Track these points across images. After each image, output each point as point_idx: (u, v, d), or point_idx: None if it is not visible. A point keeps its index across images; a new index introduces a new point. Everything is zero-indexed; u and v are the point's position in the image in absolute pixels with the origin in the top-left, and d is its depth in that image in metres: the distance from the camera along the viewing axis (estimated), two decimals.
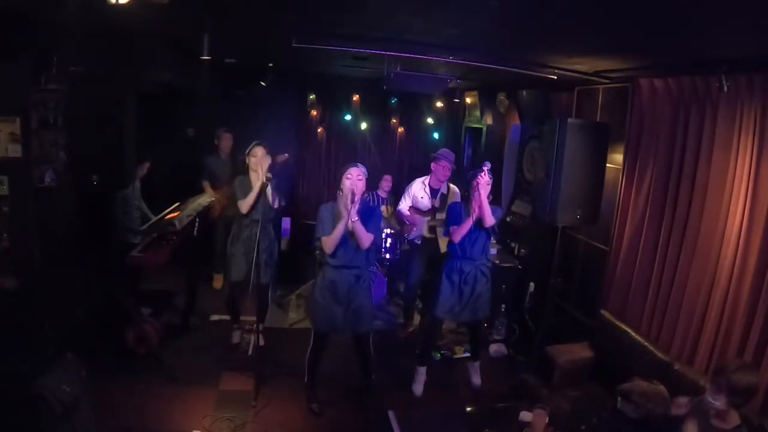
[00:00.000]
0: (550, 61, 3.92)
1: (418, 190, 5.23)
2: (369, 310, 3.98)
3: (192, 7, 2.95)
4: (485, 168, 4.10)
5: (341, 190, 3.69)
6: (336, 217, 3.71)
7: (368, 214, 3.77)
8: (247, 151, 4.45)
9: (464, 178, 4.71)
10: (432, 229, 5.22)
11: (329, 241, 3.68)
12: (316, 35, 3.57)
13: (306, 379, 4.07)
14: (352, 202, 3.58)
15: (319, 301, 3.86)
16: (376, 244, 3.84)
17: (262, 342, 4.86)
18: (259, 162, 4.26)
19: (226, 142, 5.99)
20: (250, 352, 4.75)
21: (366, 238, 3.68)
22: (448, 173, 5.13)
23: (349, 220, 3.61)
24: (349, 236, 3.73)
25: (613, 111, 4.36)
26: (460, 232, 4.09)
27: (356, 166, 3.72)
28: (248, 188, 4.35)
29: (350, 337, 4.05)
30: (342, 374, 4.38)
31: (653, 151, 3.96)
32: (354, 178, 3.65)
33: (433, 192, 5.20)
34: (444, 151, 5.16)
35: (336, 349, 4.29)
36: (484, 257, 4.27)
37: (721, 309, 3.29)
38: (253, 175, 4.38)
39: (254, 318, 4.53)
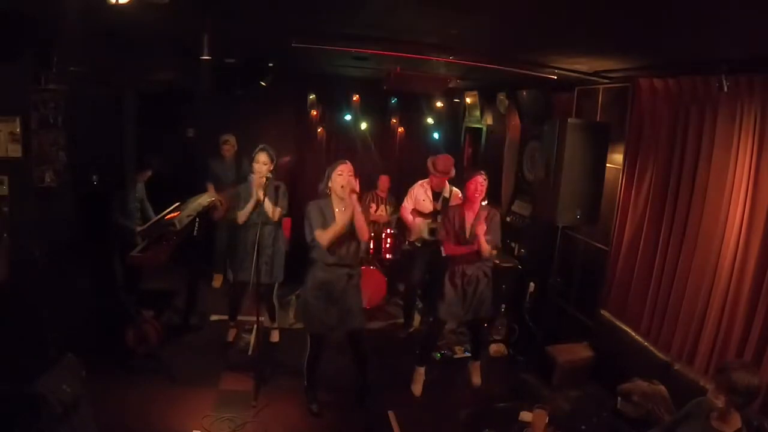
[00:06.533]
0: (550, 61, 3.92)
1: (420, 193, 5.21)
2: (360, 308, 3.99)
3: (192, 7, 2.94)
4: (480, 176, 4.11)
5: (329, 189, 3.75)
6: (323, 214, 3.74)
7: None
8: (253, 155, 4.49)
9: (460, 179, 4.71)
10: (433, 232, 5.21)
11: (325, 235, 3.69)
12: (316, 35, 3.57)
13: (305, 382, 4.07)
14: (354, 192, 3.65)
15: (312, 302, 3.83)
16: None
17: (276, 338, 5.04)
18: (262, 175, 4.34)
19: (229, 146, 6.01)
20: (250, 352, 4.75)
21: (365, 230, 3.76)
22: (444, 185, 5.11)
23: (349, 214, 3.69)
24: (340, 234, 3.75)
25: (613, 111, 4.36)
26: (450, 250, 4.17)
27: (345, 162, 3.77)
28: (249, 197, 4.45)
29: (346, 337, 4.05)
30: (341, 375, 4.38)
31: (653, 151, 3.96)
32: (346, 174, 3.70)
33: (435, 195, 5.19)
34: (441, 161, 5.00)
35: (335, 350, 4.29)
36: (485, 257, 4.26)
37: (721, 309, 3.29)
38: (256, 180, 4.45)
39: (254, 318, 4.53)
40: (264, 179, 4.33)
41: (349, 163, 3.75)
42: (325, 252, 3.76)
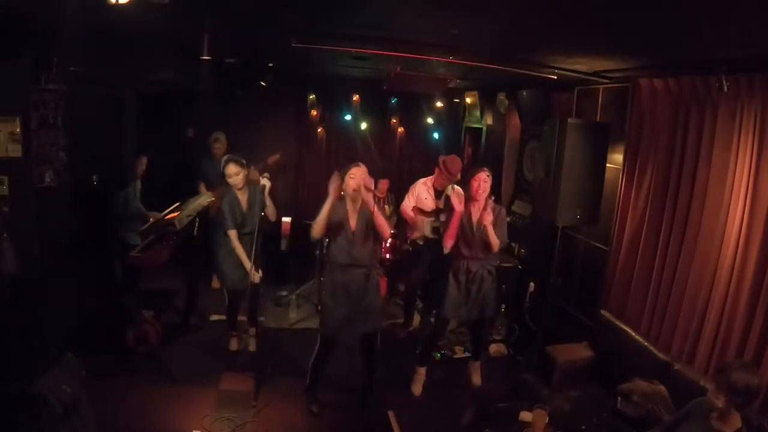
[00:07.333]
0: (550, 61, 3.92)
1: (422, 191, 5.19)
2: (379, 308, 3.98)
3: (192, 7, 2.95)
4: (483, 173, 4.09)
5: (342, 191, 3.72)
6: (335, 212, 3.72)
7: None
8: (222, 166, 4.38)
9: (464, 177, 4.70)
10: (435, 230, 5.20)
11: (315, 225, 3.69)
12: (316, 35, 3.57)
13: (308, 381, 4.06)
14: (369, 190, 3.65)
15: (329, 303, 3.83)
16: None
17: (253, 348, 4.83)
18: (240, 184, 4.31)
19: (219, 145, 5.99)
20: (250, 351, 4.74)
21: (385, 227, 3.76)
22: (447, 184, 5.10)
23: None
24: (353, 234, 3.74)
25: (613, 111, 4.36)
26: (449, 235, 4.12)
27: (358, 165, 3.75)
28: (236, 208, 4.37)
29: (359, 337, 4.03)
30: (341, 375, 4.38)
31: (653, 151, 3.96)
32: (358, 177, 3.68)
33: (437, 193, 5.17)
34: (453, 163, 4.97)
35: (336, 350, 4.28)
36: (490, 256, 4.24)
37: (721, 309, 3.29)
38: (238, 193, 4.39)
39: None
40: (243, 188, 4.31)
41: (363, 166, 3.73)
42: (339, 253, 3.75)
